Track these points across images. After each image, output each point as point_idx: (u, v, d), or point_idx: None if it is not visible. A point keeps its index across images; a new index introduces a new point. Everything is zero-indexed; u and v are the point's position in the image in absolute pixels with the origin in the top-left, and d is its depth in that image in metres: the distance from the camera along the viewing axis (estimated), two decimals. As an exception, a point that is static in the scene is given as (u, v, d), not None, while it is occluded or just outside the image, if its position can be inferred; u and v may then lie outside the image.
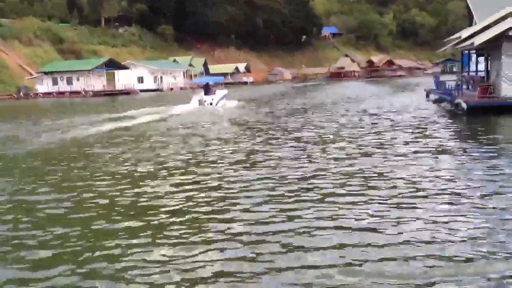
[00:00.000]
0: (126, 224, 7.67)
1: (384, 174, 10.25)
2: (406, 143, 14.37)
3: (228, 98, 37.25)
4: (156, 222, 7.72)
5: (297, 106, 33.71)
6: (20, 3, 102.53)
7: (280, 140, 16.32)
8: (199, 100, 34.55)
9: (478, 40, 22.34)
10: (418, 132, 16.81)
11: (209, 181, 10.34)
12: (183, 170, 11.72)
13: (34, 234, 7.41)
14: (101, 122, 25.94)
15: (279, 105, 35.40)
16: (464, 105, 21.92)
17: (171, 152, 14.50)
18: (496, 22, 22.13)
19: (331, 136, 16.57)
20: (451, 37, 32.59)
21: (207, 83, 37.97)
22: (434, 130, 17.35)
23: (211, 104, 34.01)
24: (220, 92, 36.48)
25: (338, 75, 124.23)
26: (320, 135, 17.16)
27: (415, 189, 8.95)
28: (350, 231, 6.90)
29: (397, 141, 14.73)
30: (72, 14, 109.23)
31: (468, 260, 5.80)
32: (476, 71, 30.10)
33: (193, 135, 18.92)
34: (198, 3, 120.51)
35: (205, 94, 35.30)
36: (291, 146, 14.69)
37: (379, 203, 8.18)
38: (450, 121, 20.27)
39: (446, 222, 7.09)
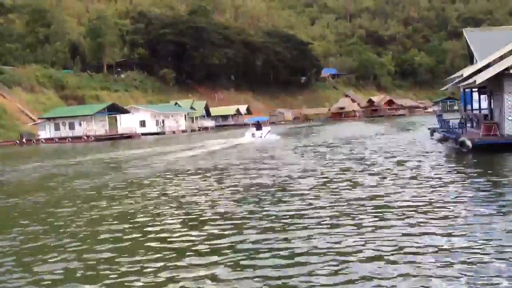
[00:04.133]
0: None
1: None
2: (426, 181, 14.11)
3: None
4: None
5: (310, 143, 35.26)
6: (22, 51, 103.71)
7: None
8: (252, 134, 44.92)
9: (480, 78, 22.24)
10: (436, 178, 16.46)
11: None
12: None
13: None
14: (195, 148, 36.86)
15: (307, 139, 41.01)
16: (469, 143, 21.70)
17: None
18: (500, 59, 22.11)
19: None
20: (452, 75, 32.69)
21: (258, 121, 49.60)
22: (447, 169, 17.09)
23: (260, 137, 43.85)
24: (266, 129, 46.63)
25: (339, 115, 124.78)
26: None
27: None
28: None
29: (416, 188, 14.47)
30: (74, 60, 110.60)
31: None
32: (479, 109, 30.02)
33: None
34: (197, 46, 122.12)
35: (256, 130, 45.83)
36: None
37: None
38: (457, 159, 20.03)
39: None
